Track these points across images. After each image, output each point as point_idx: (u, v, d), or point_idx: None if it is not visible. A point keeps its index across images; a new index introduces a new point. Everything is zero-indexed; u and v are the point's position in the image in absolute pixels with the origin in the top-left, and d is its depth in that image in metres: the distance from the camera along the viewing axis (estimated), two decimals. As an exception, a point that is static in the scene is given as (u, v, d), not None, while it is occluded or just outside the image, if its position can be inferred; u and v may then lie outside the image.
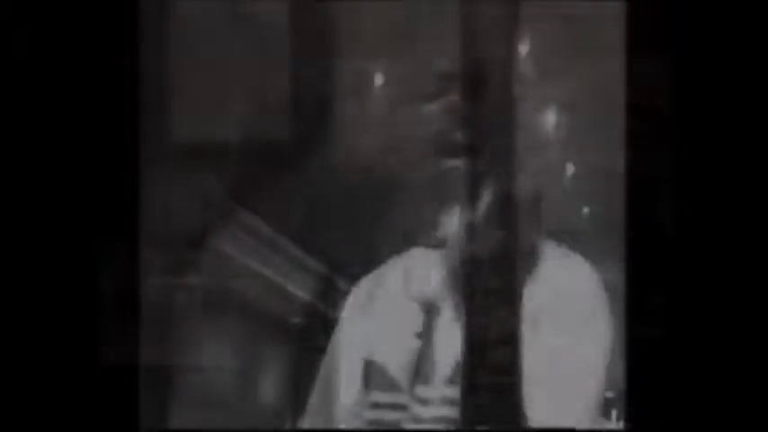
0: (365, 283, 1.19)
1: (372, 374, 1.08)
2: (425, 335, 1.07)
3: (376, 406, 1.06)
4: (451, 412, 1.02)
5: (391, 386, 1.06)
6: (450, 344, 1.03)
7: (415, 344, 1.06)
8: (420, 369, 1.05)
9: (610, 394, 1.15)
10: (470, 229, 1.08)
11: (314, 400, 1.17)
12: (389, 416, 1.05)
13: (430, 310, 1.07)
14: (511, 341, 0.98)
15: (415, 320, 1.08)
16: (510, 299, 1.01)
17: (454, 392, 1.02)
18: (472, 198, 1.06)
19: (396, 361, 1.06)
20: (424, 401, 1.04)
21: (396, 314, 1.10)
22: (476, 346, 0.99)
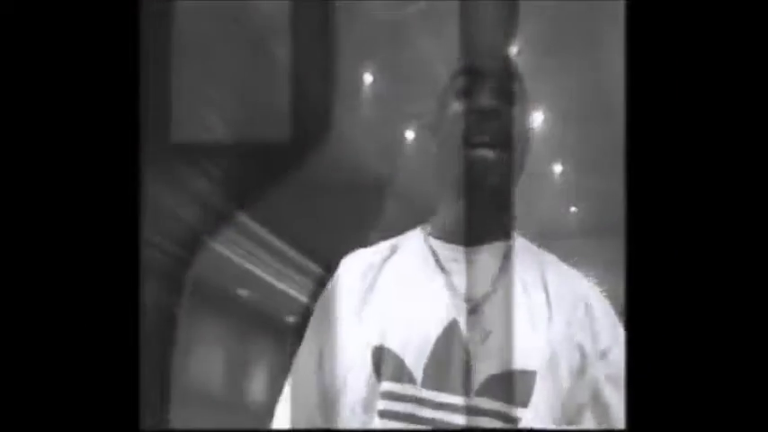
0: (364, 258, 1.13)
1: (385, 362, 1.01)
2: (455, 332, 1.01)
3: (388, 396, 1.00)
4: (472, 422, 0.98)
5: (407, 379, 0.99)
6: (485, 350, 1.00)
7: (441, 337, 1.01)
8: (445, 368, 1.00)
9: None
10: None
11: (302, 381, 1.10)
12: (402, 408, 0.99)
13: (471, 315, 1.03)
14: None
15: (443, 311, 1.03)
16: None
17: (483, 404, 0.98)
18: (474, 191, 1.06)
19: (413, 352, 1.00)
20: (440, 406, 0.99)
21: (420, 299, 1.05)
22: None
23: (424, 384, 0.99)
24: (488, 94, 1.05)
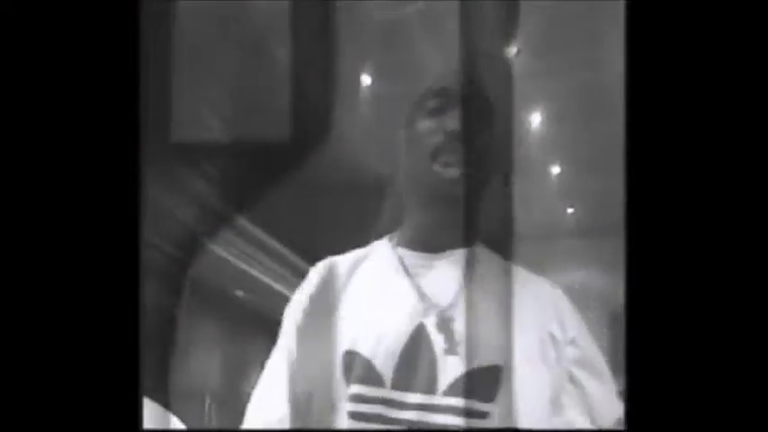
0: (334, 266, 1.18)
1: (355, 366, 1.05)
2: (423, 335, 1.06)
3: (358, 398, 1.03)
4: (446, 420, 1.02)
5: (377, 381, 1.03)
6: (452, 350, 1.04)
7: (409, 341, 1.05)
8: (414, 370, 1.04)
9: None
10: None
11: (271, 387, 1.14)
12: (372, 409, 1.03)
13: (440, 317, 1.07)
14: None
15: (411, 315, 1.07)
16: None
17: (452, 402, 1.02)
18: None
19: (383, 355, 1.04)
20: (409, 406, 1.03)
21: (388, 304, 1.09)
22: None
23: (394, 386, 1.02)
24: (458, 116, 1.09)
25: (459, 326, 1.05)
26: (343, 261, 1.18)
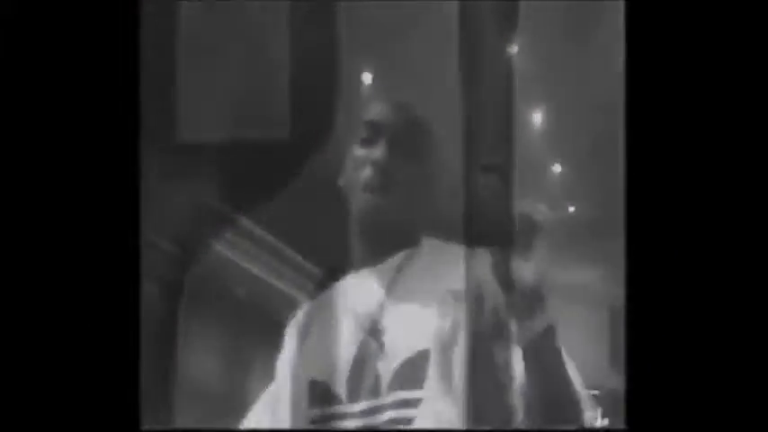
0: (302, 313, 1.28)
1: (316, 393, 1.14)
2: (363, 347, 1.13)
3: (321, 418, 1.13)
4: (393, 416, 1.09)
5: (336, 400, 1.12)
6: (386, 352, 1.12)
7: (355, 357, 1.13)
8: (360, 381, 1.12)
9: (595, 392, 1.17)
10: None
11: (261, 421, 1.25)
12: (333, 425, 1.12)
13: (369, 327, 1.14)
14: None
15: (354, 334, 1.15)
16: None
17: (390, 398, 1.09)
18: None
19: (337, 377, 1.13)
20: (359, 414, 1.10)
21: (336, 333, 1.17)
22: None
23: (349, 400, 1.11)
24: (385, 146, 1.15)
25: (389, 327, 1.12)
26: (310, 307, 1.28)
